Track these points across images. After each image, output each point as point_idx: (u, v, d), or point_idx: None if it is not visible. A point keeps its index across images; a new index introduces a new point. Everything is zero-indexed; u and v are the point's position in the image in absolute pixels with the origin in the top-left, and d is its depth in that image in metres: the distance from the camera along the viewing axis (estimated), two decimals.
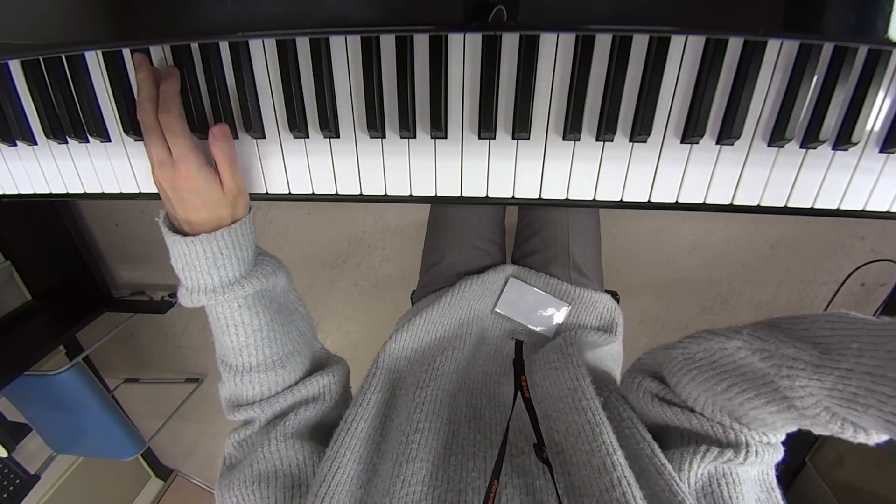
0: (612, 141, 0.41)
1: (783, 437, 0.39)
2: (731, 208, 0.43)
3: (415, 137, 0.43)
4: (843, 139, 0.39)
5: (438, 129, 0.42)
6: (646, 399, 0.42)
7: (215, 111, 0.44)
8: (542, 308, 0.64)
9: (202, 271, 0.42)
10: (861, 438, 0.28)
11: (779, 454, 0.38)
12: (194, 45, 0.42)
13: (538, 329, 0.63)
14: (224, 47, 0.42)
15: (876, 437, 0.28)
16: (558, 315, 0.64)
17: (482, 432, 0.44)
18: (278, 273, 0.48)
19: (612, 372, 0.61)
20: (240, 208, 0.44)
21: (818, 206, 0.42)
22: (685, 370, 0.39)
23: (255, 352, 0.45)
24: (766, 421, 0.35)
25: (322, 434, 0.46)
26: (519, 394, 0.48)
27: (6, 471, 1.52)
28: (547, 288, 0.67)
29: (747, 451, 0.35)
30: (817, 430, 0.31)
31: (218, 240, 0.41)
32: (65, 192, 0.53)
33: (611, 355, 0.65)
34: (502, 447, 0.40)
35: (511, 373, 0.55)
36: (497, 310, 0.64)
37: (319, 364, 0.54)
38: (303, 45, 0.41)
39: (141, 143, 0.48)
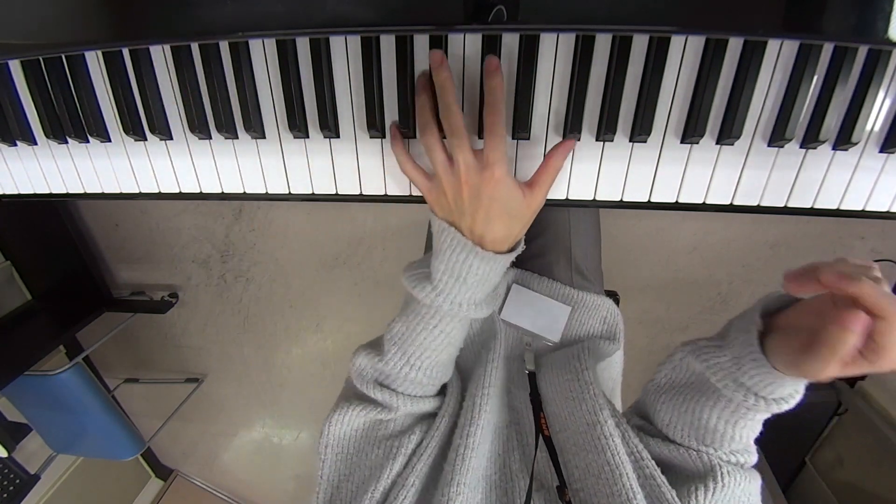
0: (612, 141, 0.41)
1: (754, 458, 0.43)
2: (731, 208, 0.43)
3: (415, 137, 0.43)
4: (843, 139, 0.39)
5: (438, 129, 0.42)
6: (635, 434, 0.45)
7: (215, 111, 0.44)
8: (546, 313, 0.64)
9: (468, 285, 0.41)
10: (773, 409, 0.36)
11: (754, 480, 0.42)
12: (194, 45, 0.42)
13: (544, 335, 0.63)
14: (224, 47, 0.42)
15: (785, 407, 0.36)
16: (562, 318, 0.64)
17: (512, 481, 0.44)
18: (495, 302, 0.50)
19: (617, 383, 0.61)
20: (525, 226, 0.41)
21: (818, 206, 0.42)
22: (655, 398, 0.47)
23: (434, 356, 0.46)
24: (724, 433, 0.40)
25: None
26: (540, 434, 0.47)
27: (6, 471, 1.52)
28: (550, 292, 0.67)
29: (716, 476, 0.39)
30: (747, 419, 0.39)
31: (498, 262, 0.40)
32: (65, 192, 0.53)
33: (616, 362, 0.65)
34: (528, 498, 0.40)
35: (525, 382, 0.55)
36: (502, 317, 0.63)
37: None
38: (303, 45, 0.41)
39: (141, 143, 0.48)
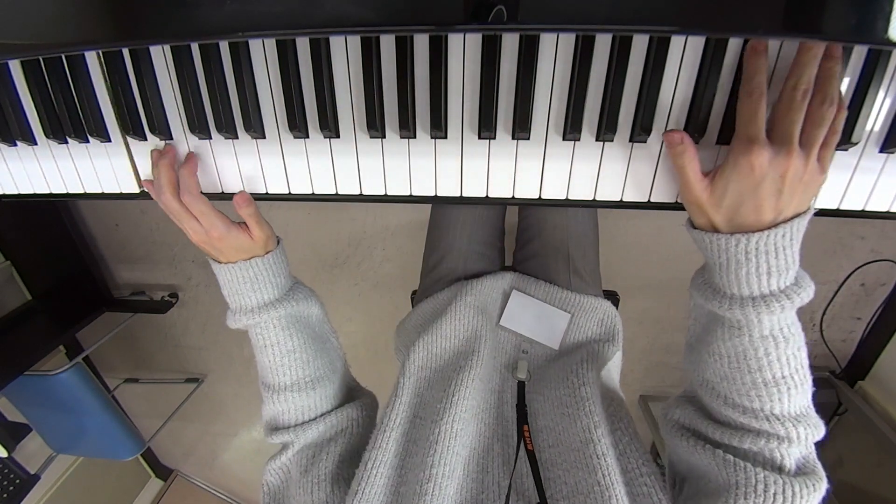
0: (612, 141, 0.41)
1: (818, 432, 0.38)
2: None
3: (415, 137, 0.43)
4: (843, 139, 0.38)
5: (438, 129, 0.42)
6: (675, 435, 0.43)
7: (215, 111, 0.44)
8: (545, 319, 0.64)
9: (243, 294, 0.48)
10: (750, 313, 0.35)
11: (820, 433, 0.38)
12: (194, 45, 0.42)
13: (543, 341, 0.63)
14: (224, 47, 0.42)
15: None
16: (561, 325, 0.64)
17: (492, 483, 0.44)
18: (310, 300, 0.53)
19: (617, 388, 0.60)
20: (270, 245, 0.49)
21: (818, 205, 0.42)
22: (690, 360, 0.44)
23: (288, 371, 0.50)
24: (744, 368, 0.37)
25: (356, 463, 0.47)
26: (521, 447, 0.47)
27: (6, 471, 1.52)
28: (548, 296, 0.66)
29: (790, 440, 0.36)
30: (743, 337, 0.36)
31: (253, 266, 0.47)
32: (65, 192, 0.53)
33: (615, 365, 0.65)
34: None
35: (514, 392, 0.54)
36: (501, 324, 0.63)
37: (350, 396, 0.57)
38: (303, 45, 0.41)
39: (141, 143, 0.48)
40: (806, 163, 0.32)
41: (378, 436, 0.46)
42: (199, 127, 0.45)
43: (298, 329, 0.51)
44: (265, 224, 0.48)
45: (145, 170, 0.50)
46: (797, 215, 0.34)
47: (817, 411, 0.39)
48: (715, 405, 0.40)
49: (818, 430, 0.38)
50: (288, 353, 0.50)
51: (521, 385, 0.55)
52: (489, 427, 0.51)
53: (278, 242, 0.51)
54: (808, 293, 0.35)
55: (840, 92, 0.34)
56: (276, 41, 0.41)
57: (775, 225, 0.34)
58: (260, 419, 0.54)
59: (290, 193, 0.48)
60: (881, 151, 0.39)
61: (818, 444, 0.38)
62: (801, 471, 0.37)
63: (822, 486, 0.36)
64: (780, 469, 0.36)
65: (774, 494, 0.34)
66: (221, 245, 0.46)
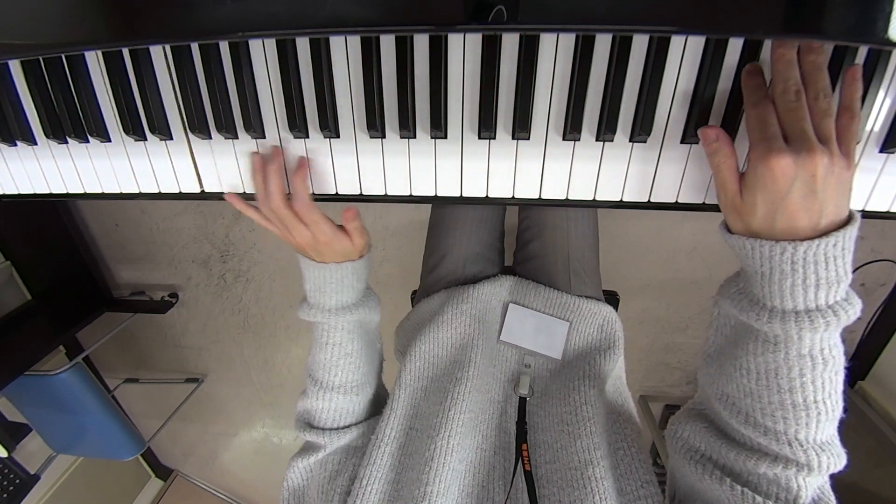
0: (612, 141, 0.41)
1: (839, 461, 0.35)
2: None
3: (415, 137, 0.43)
4: None
5: (438, 129, 0.42)
6: (684, 456, 0.40)
7: (215, 111, 0.44)
8: (544, 330, 0.63)
9: (327, 293, 0.50)
10: (792, 329, 0.32)
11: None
12: (194, 45, 0.42)
13: (545, 352, 0.62)
14: (224, 47, 0.42)
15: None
16: (561, 334, 0.63)
17: (488, 500, 0.45)
18: (378, 308, 0.57)
19: (625, 399, 0.59)
20: (364, 250, 0.52)
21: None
22: (707, 373, 0.40)
23: (339, 372, 0.52)
24: (771, 387, 0.34)
25: None
26: (520, 464, 0.47)
27: (6, 471, 1.52)
28: (547, 302, 0.66)
29: (810, 469, 0.33)
30: (779, 353, 0.33)
31: (344, 269, 0.49)
32: (65, 192, 0.53)
33: (620, 370, 0.64)
34: None
35: (515, 407, 0.54)
36: (502, 339, 0.62)
37: (378, 404, 0.59)
38: (303, 45, 0.41)
39: (141, 143, 0.48)
40: (831, 156, 0.30)
41: (372, 451, 0.47)
42: (199, 127, 0.45)
43: (360, 334, 0.53)
44: (367, 233, 0.51)
45: (145, 169, 0.50)
46: (847, 223, 0.31)
47: None
48: (734, 422, 0.37)
49: (840, 461, 0.34)
50: (346, 355, 0.52)
51: (521, 401, 0.55)
52: (488, 440, 0.50)
53: (369, 249, 0.53)
54: (856, 310, 0.32)
55: (855, 69, 0.34)
56: (276, 41, 0.41)
57: (826, 233, 0.31)
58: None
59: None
60: (881, 151, 0.39)
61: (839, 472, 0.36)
62: None
63: None
64: (794, 501, 0.34)
65: None
66: (325, 249, 0.47)
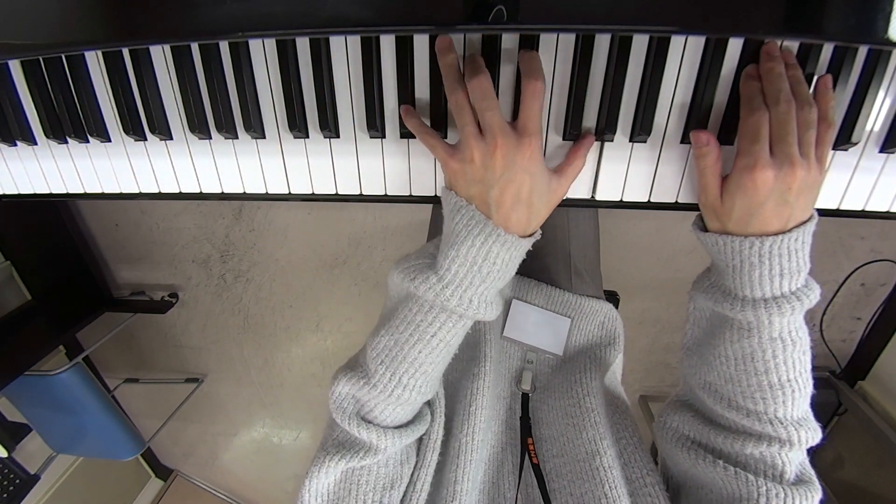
0: (611, 141, 0.41)
1: (814, 435, 0.38)
2: None
3: (415, 137, 0.43)
4: (843, 139, 0.39)
5: (438, 128, 0.42)
6: (674, 445, 0.43)
7: (215, 111, 0.44)
8: (547, 326, 0.63)
9: (482, 275, 0.37)
10: (762, 315, 0.35)
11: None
12: (194, 45, 0.42)
13: (548, 348, 0.63)
14: (224, 47, 0.42)
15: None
16: (563, 330, 0.64)
17: (500, 495, 0.45)
18: None
19: (621, 391, 0.59)
20: (544, 219, 0.40)
21: (818, 206, 0.42)
22: (689, 364, 0.44)
23: (431, 370, 0.41)
24: (748, 370, 0.38)
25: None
26: (527, 458, 0.47)
27: (6, 471, 1.52)
28: (549, 300, 0.66)
29: (791, 444, 0.36)
30: (753, 340, 0.37)
31: (523, 247, 0.37)
32: (65, 192, 0.53)
33: (618, 366, 0.64)
34: None
35: (518, 403, 0.54)
36: (505, 335, 0.63)
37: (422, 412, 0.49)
38: (303, 45, 0.41)
39: (141, 143, 0.48)
40: (808, 169, 0.33)
41: (426, 453, 0.44)
42: (199, 127, 0.45)
43: (466, 332, 0.42)
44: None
45: (145, 169, 0.50)
46: (806, 220, 0.35)
47: (818, 411, 0.40)
48: (717, 408, 0.40)
49: (816, 435, 0.38)
50: (448, 356, 0.42)
51: (524, 397, 0.55)
52: (496, 436, 0.50)
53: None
54: (815, 294, 0.36)
55: (826, 79, 0.36)
56: (276, 41, 0.41)
57: (789, 229, 0.34)
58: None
59: (290, 193, 0.48)
60: (881, 151, 0.39)
61: (818, 445, 0.39)
62: (800, 479, 0.38)
63: (818, 496, 0.37)
64: (781, 476, 0.37)
65: None
66: (524, 166, 0.35)
